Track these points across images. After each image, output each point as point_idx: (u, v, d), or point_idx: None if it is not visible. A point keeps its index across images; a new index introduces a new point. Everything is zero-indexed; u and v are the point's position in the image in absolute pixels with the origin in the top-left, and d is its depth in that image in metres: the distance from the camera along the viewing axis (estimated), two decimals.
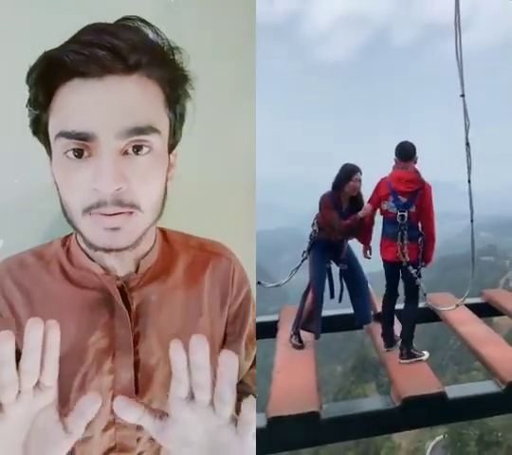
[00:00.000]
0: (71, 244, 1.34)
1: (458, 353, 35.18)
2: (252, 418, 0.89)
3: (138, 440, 1.31)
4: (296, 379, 3.04)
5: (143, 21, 1.14)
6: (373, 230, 3.48)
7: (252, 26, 1.63)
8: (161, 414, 0.92)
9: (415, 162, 3.18)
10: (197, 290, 1.42)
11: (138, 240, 1.16)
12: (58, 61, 1.02)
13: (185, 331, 1.36)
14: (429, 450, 25.57)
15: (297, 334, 3.54)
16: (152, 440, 1.10)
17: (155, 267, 1.36)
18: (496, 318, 4.45)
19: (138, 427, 1.07)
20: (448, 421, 3.05)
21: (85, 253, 1.29)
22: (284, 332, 3.70)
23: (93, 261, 1.28)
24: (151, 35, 1.13)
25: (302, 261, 3.59)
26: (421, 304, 3.56)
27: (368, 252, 3.53)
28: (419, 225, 3.17)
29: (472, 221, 3.30)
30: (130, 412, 0.89)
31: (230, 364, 0.83)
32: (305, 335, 3.57)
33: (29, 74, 1.08)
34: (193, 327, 1.39)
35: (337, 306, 4.15)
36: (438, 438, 25.71)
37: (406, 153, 3.16)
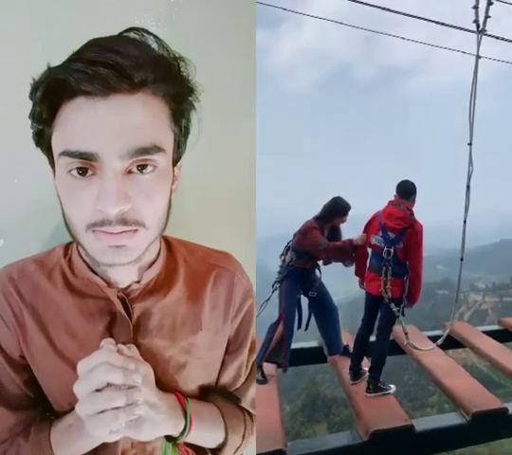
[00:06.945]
0: (73, 253, 1.34)
1: (412, 389, 35.22)
2: None
3: (132, 444, 1.30)
4: (259, 416, 2.90)
5: (148, 32, 1.11)
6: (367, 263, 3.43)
7: (252, 25, 1.64)
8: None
9: (413, 201, 3.21)
10: (198, 304, 1.42)
11: (142, 255, 1.17)
12: (62, 80, 1.01)
13: (184, 344, 1.37)
14: None
15: (260, 367, 3.44)
16: (143, 443, 1.15)
17: (157, 280, 1.36)
18: (450, 352, 4.51)
19: None
20: (417, 454, 3.00)
21: (87, 264, 1.29)
22: None
23: (94, 272, 1.28)
24: (156, 47, 1.10)
25: (273, 292, 3.55)
26: None
27: (364, 284, 3.45)
28: (407, 262, 3.16)
29: (462, 259, 3.36)
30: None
31: None
32: (267, 369, 3.48)
33: (33, 90, 1.07)
34: (192, 341, 1.39)
35: (297, 340, 4.07)
36: None
37: (405, 190, 3.21)
